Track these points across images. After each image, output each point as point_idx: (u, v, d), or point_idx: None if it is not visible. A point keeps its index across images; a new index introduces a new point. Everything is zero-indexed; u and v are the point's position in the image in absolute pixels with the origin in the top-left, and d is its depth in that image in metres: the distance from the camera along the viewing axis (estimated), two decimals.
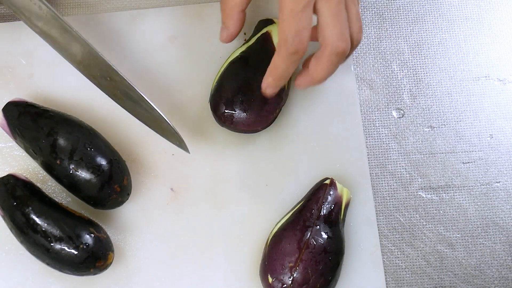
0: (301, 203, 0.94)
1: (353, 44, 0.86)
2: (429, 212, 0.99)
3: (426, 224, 0.98)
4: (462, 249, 0.98)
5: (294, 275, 0.87)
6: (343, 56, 0.84)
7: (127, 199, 0.93)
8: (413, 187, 1.00)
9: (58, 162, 0.89)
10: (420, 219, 0.99)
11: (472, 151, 1.01)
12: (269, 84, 0.87)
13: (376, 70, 1.03)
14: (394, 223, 0.98)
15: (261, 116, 0.94)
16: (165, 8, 1.03)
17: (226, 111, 0.93)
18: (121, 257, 0.95)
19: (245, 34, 1.02)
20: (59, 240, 0.86)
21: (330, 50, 0.82)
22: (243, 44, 0.99)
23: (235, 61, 0.96)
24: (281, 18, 0.81)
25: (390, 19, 1.06)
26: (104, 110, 0.99)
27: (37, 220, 0.86)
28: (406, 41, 1.05)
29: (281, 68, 0.84)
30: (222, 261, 0.95)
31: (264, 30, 0.98)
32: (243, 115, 0.93)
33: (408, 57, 1.04)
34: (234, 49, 1.00)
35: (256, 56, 0.96)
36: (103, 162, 0.89)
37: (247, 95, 0.93)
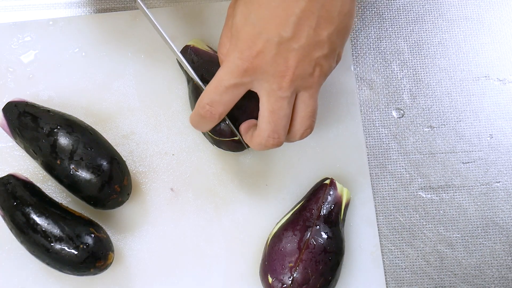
0: (301, 203, 0.94)
1: (292, 140, 0.86)
2: (429, 212, 0.99)
3: (426, 224, 0.98)
4: (462, 249, 0.98)
5: (294, 275, 0.87)
6: (273, 147, 0.84)
7: (127, 199, 0.93)
8: (413, 187, 1.00)
9: (58, 162, 0.89)
10: (420, 219, 0.99)
11: (472, 151, 1.01)
12: (191, 123, 0.88)
13: (376, 70, 1.03)
14: (394, 223, 0.98)
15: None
16: (165, 8, 1.03)
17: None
18: (121, 257, 0.95)
19: None
20: (59, 240, 0.86)
21: (260, 141, 0.83)
22: None
23: None
24: (210, 80, 0.82)
25: (390, 19, 1.06)
26: (104, 110, 0.99)
27: (37, 220, 0.86)
28: (406, 41, 1.05)
29: (192, 121, 0.87)
30: (222, 261, 0.95)
31: None
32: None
33: (408, 57, 1.04)
34: None
35: None
36: (103, 162, 0.89)
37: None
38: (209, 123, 0.85)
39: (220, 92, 0.81)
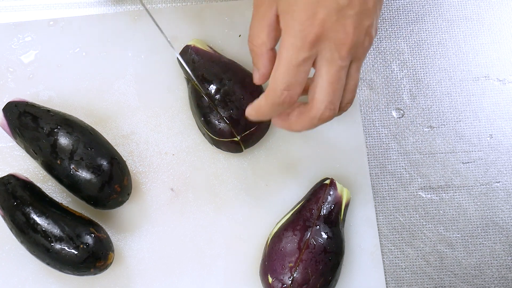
0: (301, 203, 0.94)
1: (344, 110, 0.84)
2: (429, 212, 0.99)
3: (426, 224, 0.98)
4: (462, 249, 0.98)
5: (294, 275, 0.87)
6: (326, 121, 0.81)
7: (127, 199, 0.93)
8: (413, 187, 1.00)
9: (58, 162, 0.89)
10: (420, 219, 0.99)
11: (472, 151, 1.01)
12: (251, 116, 0.84)
13: (376, 70, 1.04)
14: (394, 223, 0.98)
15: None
16: (165, 8, 1.03)
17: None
18: (121, 257, 0.95)
19: (240, 36, 1.02)
20: (59, 240, 0.86)
21: (315, 114, 0.80)
22: None
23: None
24: (277, 65, 0.78)
25: (390, 19, 1.06)
26: (105, 110, 0.99)
27: (37, 220, 0.87)
28: (406, 41, 1.05)
29: (264, 112, 0.82)
30: (222, 261, 0.96)
31: None
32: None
33: (408, 57, 1.04)
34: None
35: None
36: (103, 162, 0.89)
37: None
38: (288, 107, 0.81)
39: (294, 73, 0.78)
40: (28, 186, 0.90)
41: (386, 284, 0.96)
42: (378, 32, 1.04)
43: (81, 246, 0.86)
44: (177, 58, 0.93)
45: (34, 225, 0.86)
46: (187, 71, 0.95)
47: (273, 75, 0.79)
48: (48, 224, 0.86)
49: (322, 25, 0.77)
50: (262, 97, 0.81)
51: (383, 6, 1.06)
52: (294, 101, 0.79)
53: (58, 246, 0.86)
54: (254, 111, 0.83)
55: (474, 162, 1.01)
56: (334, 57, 0.78)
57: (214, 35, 1.02)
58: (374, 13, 0.80)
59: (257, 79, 0.85)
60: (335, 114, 0.81)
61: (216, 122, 0.92)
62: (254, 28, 0.83)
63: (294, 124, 0.82)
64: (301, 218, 0.91)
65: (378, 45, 1.05)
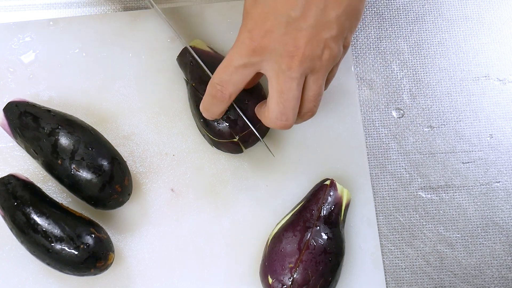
0: (301, 204, 0.94)
1: (303, 119, 0.86)
2: (429, 212, 0.99)
3: (426, 224, 0.99)
4: (462, 249, 0.98)
5: (294, 276, 0.87)
6: (282, 129, 0.84)
7: (128, 199, 0.93)
8: (413, 187, 1.00)
9: (59, 162, 0.89)
10: (420, 219, 0.99)
11: (472, 151, 1.01)
12: (201, 110, 0.90)
13: (376, 70, 1.04)
14: (394, 223, 0.99)
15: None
16: (166, 8, 1.03)
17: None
18: (121, 257, 0.95)
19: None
20: (59, 240, 0.86)
21: (269, 122, 0.84)
22: None
23: None
24: (221, 62, 0.83)
25: (390, 19, 1.06)
26: (105, 110, 0.99)
27: (38, 220, 0.87)
28: (406, 41, 1.05)
29: (204, 103, 0.88)
30: (222, 262, 0.96)
31: None
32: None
33: (408, 57, 1.04)
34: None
35: None
36: (104, 162, 0.89)
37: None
38: (220, 104, 0.85)
39: (230, 72, 0.82)
40: (28, 186, 0.90)
41: (386, 284, 0.96)
42: (378, 32, 1.04)
43: (82, 246, 0.86)
44: (176, 60, 0.93)
45: (34, 225, 0.86)
46: (186, 72, 0.95)
47: (268, 106, 0.82)
48: (48, 224, 0.86)
49: (268, 37, 0.79)
50: (263, 120, 0.86)
51: (383, 6, 1.06)
52: (225, 100, 0.84)
53: (58, 246, 0.86)
54: (201, 106, 0.89)
55: (474, 162, 1.01)
56: (282, 68, 0.80)
57: (215, 35, 1.02)
58: (339, 25, 0.80)
59: (205, 116, 0.91)
60: (288, 125, 0.83)
61: (215, 123, 0.92)
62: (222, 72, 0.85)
63: (262, 121, 0.87)
64: (301, 219, 0.91)
65: (378, 45, 1.05)
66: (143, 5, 1.05)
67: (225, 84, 0.83)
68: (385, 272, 0.97)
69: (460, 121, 1.02)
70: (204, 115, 0.90)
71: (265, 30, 0.79)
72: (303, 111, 0.85)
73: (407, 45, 1.05)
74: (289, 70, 0.79)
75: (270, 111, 0.82)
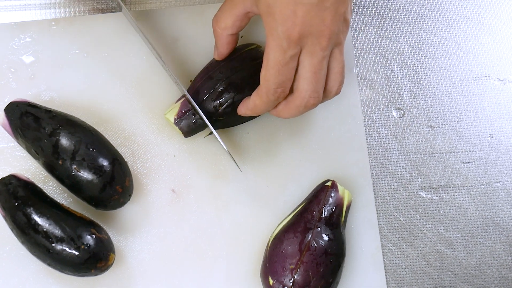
0: (302, 205, 0.94)
1: (329, 96, 0.89)
2: (429, 212, 0.99)
3: (426, 224, 0.99)
4: (462, 249, 0.98)
5: (295, 277, 0.87)
6: (312, 108, 0.87)
7: (129, 200, 0.93)
8: (413, 187, 1.00)
9: (60, 162, 0.89)
10: (420, 219, 0.99)
11: (472, 151, 1.01)
12: (246, 114, 0.92)
13: (376, 70, 1.04)
14: (394, 223, 0.99)
15: None
16: (167, 9, 1.03)
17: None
18: (122, 258, 0.95)
19: (241, 37, 1.02)
20: (60, 240, 0.86)
21: (301, 102, 0.86)
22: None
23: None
24: (266, 66, 0.84)
25: (390, 19, 1.06)
26: (106, 110, 0.99)
27: (39, 220, 0.86)
28: (406, 41, 1.05)
29: (260, 109, 0.89)
30: (223, 263, 0.96)
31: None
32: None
33: (408, 57, 1.04)
34: None
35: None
36: (105, 162, 0.89)
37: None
38: (280, 100, 0.87)
39: (284, 72, 0.83)
40: (29, 186, 0.90)
41: (386, 284, 0.96)
42: (378, 32, 1.05)
43: (82, 247, 0.86)
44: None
45: (35, 226, 0.86)
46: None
47: (264, 76, 0.85)
48: (49, 224, 0.86)
49: (303, 23, 0.81)
50: (255, 96, 0.88)
51: (383, 6, 1.06)
52: (286, 94, 0.86)
53: (59, 246, 0.86)
54: (249, 110, 0.90)
55: (474, 162, 1.01)
56: (316, 49, 0.83)
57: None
58: None
59: (216, 56, 0.96)
60: (319, 101, 0.87)
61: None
62: (223, 12, 0.90)
63: (282, 112, 0.89)
64: (302, 220, 0.91)
65: (378, 45, 1.05)
66: (144, 6, 1.04)
67: (284, 84, 0.85)
68: (385, 272, 0.97)
69: (460, 121, 1.02)
70: (244, 115, 0.93)
71: (300, 17, 0.81)
72: (337, 85, 0.89)
73: (407, 45, 1.05)
74: (322, 50, 0.83)
75: (303, 91, 0.85)
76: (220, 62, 0.96)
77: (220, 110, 0.94)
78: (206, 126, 0.96)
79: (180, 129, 0.95)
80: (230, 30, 0.90)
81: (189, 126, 0.95)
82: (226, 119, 0.95)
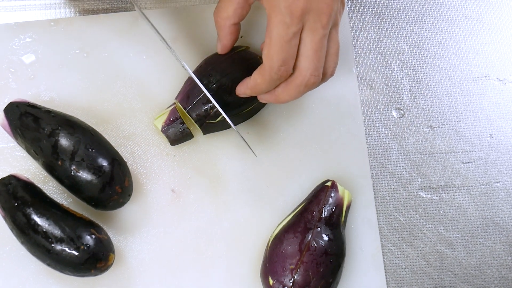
0: (302, 205, 0.94)
1: (325, 77, 0.88)
2: (429, 212, 0.99)
3: (426, 224, 0.99)
4: (462, 249, 0.98)
5: (295, 277, 0.87)
6: (312, 88, 0.86)
7: (128, 200, 0.93)
8: (413, 187, 1.00)
9: (59, 163, 0.89)
10: (420, 219, 0.99)
11: (472, 151, 1.01)
12: (245, 94, 0.91)
13: (376, 70, 1.04)
14: (394, 223, 0.99)
15: None
16: (167, 9, 1.03)
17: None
18: (122, 258, 0.95)
19: (241, 36, 1.02)
20: (60, 241, 0.86)
21: (302, 81, 0.85)
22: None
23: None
24: (269, 44, 0.83)
25: (390, 19, 1.06)
26: (106, 110, 0.99)
27: (38, 221, 0.87)
28: (406, 41, 1.05)
29: (261, 88, 0.88)
30: (222, 263, 0.96)
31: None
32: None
33: (408, 57, 1.04)
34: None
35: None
36: (104, 163, 0.89)
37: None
38: (283, 79, 0.86)
39: (287, 48, 0.83)
40: (29, 187, 0.90)
41: (386, 284, 0.96)
42: (378, 32, 1.05)
43: (82, 247, 0.86)
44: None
45: (34, 226, 0.86)
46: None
47: (267, 53, 0.84)
48: (48, 225, 0.86)
49: (304, 1, 0.82)
50: (257, 75, 0.87)
51: (383, 6, 1.06)
52: (289, 74, 0.85)
53: (58, 247, 0.86)
54: (249, 89, 0.89)
55: (474, 162, 1.01)
56: (317, 27, 0.83)
57: (216, 36, 1.02)
58: None
59: (218, 49, 0.95)
60: (320, 80, 0.86)
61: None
62: (223, 1, 0.89)
63: (281, 95, 0.88)
64: (302, 220, 0.91)
65: (378, 45, 1.05)
66: (144, 6, 1.04)
67: (287, 61, 0.84)
68: (385, 272, 0.97)
69: (460, 121, 1.02)
70: (244, 96, 0.92)
71: None
72: (332, 66, 0.88)
73: (407, 45, 1.05)
74: (323, 27, 0.83)
75: (304, 70, 0.84)
76: (209, 64, 0.96)
77: (211, 113, 0.94)
78: (193, 136, 0.97)
79: (167, 137, 0.96)
80: (232, 19, 0.90)
81: (176, 135, 0.95)
82: (219, 122, 0.95)
